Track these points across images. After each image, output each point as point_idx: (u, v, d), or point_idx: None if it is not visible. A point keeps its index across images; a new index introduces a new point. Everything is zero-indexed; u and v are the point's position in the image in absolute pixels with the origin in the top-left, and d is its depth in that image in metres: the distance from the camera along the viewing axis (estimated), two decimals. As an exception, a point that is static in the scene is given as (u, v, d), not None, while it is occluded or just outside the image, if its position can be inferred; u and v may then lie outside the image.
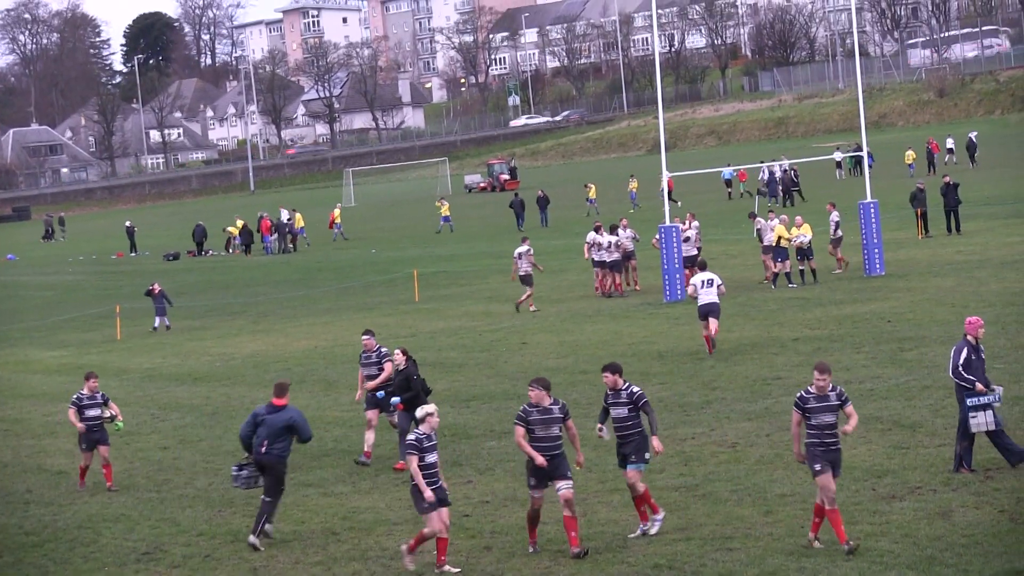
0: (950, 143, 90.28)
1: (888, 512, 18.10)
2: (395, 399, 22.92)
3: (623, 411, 18.27)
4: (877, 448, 21.32)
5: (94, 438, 23.68)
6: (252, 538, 19.31)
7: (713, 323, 31.52)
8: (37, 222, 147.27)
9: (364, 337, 24.52)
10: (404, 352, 23.20)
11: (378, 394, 23.61)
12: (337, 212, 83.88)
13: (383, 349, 24.25)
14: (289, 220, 79.98)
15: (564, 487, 17.58)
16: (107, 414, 23.79)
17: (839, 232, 43.76)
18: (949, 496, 18.50)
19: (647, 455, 18.26)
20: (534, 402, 17.70)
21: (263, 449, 19.47)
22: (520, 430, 17.77)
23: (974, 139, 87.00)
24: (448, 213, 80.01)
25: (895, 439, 21.79)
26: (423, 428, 17.54)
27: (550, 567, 17.34)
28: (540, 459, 17.52)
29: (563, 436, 17.87)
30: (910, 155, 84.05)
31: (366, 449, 23.82)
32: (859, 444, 21.63)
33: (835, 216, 43.73)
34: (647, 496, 18.35)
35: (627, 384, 18.35)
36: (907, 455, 20.76)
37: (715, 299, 31.56)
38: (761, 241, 42.96)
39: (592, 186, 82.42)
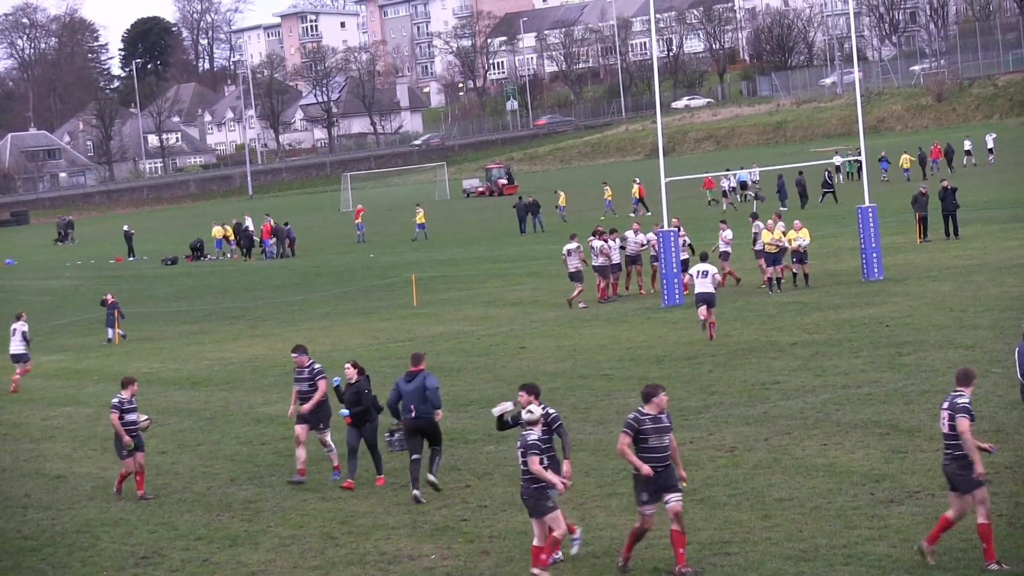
0: (968, 145, 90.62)
1: (886, 516, 18.11)
2: (343, 411, 22.40)
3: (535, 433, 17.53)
4: (875, 452, 21.32)
5: (135, 443, 23.32)
6: (431, 476, 21.33)
7: (710, 311, 34.03)
8: (36, 226, 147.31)
9: (294, 355, 23.59)
10: (355, 366, 22.67)
11: (341, 412, 22.58)
12: (360, 213, 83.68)
13: (316, 365, 23.54)
14: (250, 229, 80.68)
15: (675, 499, 16.77)
16: (143, 418, 23.55)
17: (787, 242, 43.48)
18: (947, 500, 18.48)
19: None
20: (647, 410, 16.87)
21: (412, 414, 21.41)
22: (626, 439, 16.81)
23: (956, 145, 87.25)
24: (423, 221, 79.77)
25: (893, 443, 21.81)
26: (537, 430, 16.93)
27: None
28: (647, 468, 16.66)
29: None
30: (905, 159, 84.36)
31: (299, 467, 23.17)
32: (857, 448, 21.66)
33: (780, 227, 43.41)
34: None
35: (543, 406, 17.68)
36: (905, 459, 20.76)
37: (710, 289, 34.09)
38: (754, 245, 43.01)
39: (561, 193, 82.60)
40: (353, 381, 22.54)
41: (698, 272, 34.56)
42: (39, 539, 21.12)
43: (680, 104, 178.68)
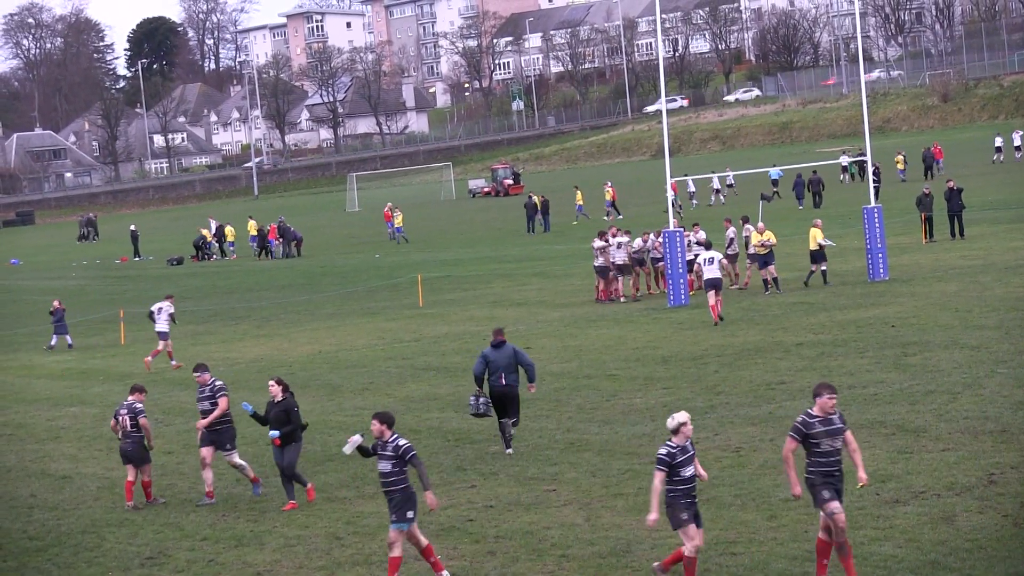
0: (998, 142, 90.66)
1: (892, 516, 18.10)
2: (273, 432, 21.48)
3: (387, 465, 17.06)
4: (881, 453, 21.32)
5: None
6: (508, 451, 23.75)
7: (718, 295, 36.95)
8: (42, 226, 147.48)
9: (196, 373, 22.92)
10: (280, 383, 21.75)
11: (271, 433, 21.54)
12: (388, 209, 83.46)
13: (218, 382, 22.83)
14: (213, 234, 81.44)
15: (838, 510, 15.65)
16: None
17: (735, 248, 43.51)
18: (953, 500, 18.50)
19: (409, 514, 17.05)
20: (817, 412, 15.62)
21: (503, 381, 23.67)
22: (791, 444, 15.69)
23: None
24: (401, 224, 78.96)
25: (899, 444, 21.80)
26: (676, 440, 15.76)
27: (554, 571, 17.33)
28: (797, 489, 15.81)
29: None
30: (900, 160, 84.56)
31: (207, 489, 22.49)
32: (863, 448, 21.57)
33: (731, 232, 43.44)
34: (429, 552, 17.26)
35: (394, 436, 17.11)
36: (911, 460, 20.76)
37: (718, 274, 37.32)
38: (734, 247, 43.09)
39: (537, 197, 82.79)
40: (279, 400, 21.64)
41: (706, 260, 37.86)
42: (45, 539, 21.13)
43: (652, 108, 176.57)
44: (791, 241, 50.05)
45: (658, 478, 15.71)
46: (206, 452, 22.57)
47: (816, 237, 41.72)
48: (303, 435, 22.04)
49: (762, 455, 21.94)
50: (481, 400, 23.78)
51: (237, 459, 22.68)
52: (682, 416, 15.89)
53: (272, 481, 23.46)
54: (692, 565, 15.80)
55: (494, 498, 20.97)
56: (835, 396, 15.87)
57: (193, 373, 23.20)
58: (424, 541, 17.31)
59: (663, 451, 15.73)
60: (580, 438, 24.45)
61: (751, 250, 42.17)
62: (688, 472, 15.80)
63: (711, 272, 37.15)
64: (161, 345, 38.76)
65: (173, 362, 38.56)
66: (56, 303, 45.17)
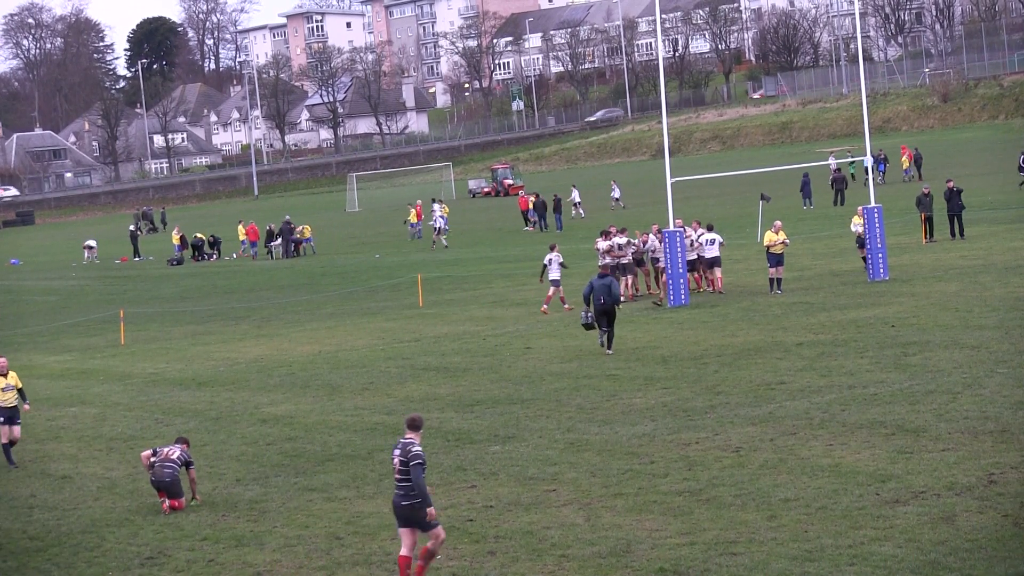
0: None
1: (892, 517, 18.09)
2: None
3: None
4: (881, 453, 21.31)
5: None
6: (609, 351, 32.71)
7: (717, 271, 42.07)
8: (42, 226, 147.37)
9: None
10: None
11: None
12: (415, 210, 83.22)
13: None
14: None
15: None
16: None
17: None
18: (953, 500, 18.49)
19: None
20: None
21: (602, 300, 32.44)
22: None
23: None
24: (310, 235, 78.47)
25: (899, 444, 21.79)
26: None
27: (554, 571, 17.33)
28: None
29: None
30: (905, 160, 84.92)
31: None
32: (863, 449, 21.64)
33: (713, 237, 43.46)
34: None
35: None
36: (911, 460, 20.75)
37: (717, 253, 41.95)
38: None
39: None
40: None
41: (708, 240, 42.01)
42: (45, 539, 21.11)
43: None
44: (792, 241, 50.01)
45: None
46: None
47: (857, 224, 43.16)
48: None
49: (762, 455, 21.93)
50: (589, 315, 32.84)
51: None
52: None
53: (272, 482, 23.47)
54: None
55: (494, 498, 20.96)
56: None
57: None
58: None
59: None
60: (580, 438, 24.44)
61: (690, 255, 42.35)
62: None
63: (712, 251, 41.78)
64: (551, 291, 42.27)
65: (566, 305, 42.15)
66: None
